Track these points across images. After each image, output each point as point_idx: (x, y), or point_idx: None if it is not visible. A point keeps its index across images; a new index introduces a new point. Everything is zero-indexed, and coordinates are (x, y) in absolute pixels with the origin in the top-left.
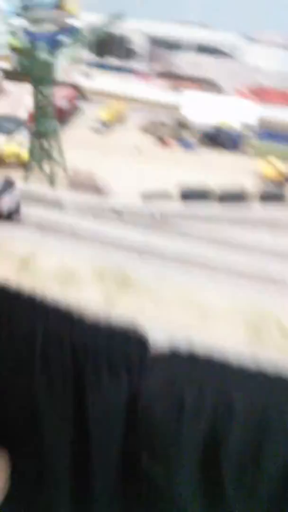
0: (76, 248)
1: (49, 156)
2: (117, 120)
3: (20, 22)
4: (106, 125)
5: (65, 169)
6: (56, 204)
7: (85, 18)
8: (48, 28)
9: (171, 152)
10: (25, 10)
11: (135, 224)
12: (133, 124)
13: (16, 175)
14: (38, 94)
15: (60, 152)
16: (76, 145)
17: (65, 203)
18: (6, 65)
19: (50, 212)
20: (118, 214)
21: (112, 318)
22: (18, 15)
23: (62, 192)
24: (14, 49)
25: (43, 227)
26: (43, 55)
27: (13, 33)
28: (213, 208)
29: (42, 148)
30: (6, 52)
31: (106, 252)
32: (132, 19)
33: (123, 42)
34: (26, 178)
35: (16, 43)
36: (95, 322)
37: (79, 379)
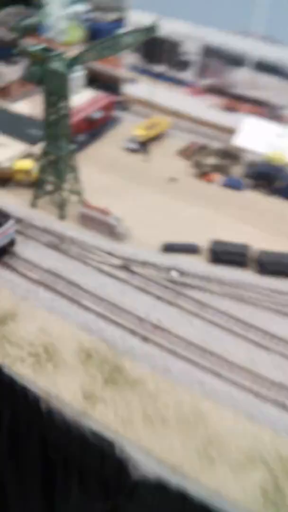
0: (64, 312)
1: (60, 182)
2: (155, 138)
3: (82, 8)
4: (141, 144)
5: (80, 196)
6: (58, 241)
7: (134, 17)
8: (110, 17)
9: (213, 190)
10: None
11: (147, 285)
12: (173, 146)
13: (24, 195)
14: (49, 108)
15: (76, 177)
16: (100, 167)
17: (67, 245)
18: None
19: (47, 255)
20: (127, 270)
21: (90, 422)
22: (81, 1)
23: (68, 225)
24: (24, 53)
25: (32, 278)
26: (57, 64)
27: (73, 19)
28: (250, 277)
29: (53, 171)
30: (66, 38)
31: (100, 323)
32: (186, 23)
33: (175, 49)
34: (32, 204)
35: (75, 30)
36: (69, 422)
37: (49, 478)
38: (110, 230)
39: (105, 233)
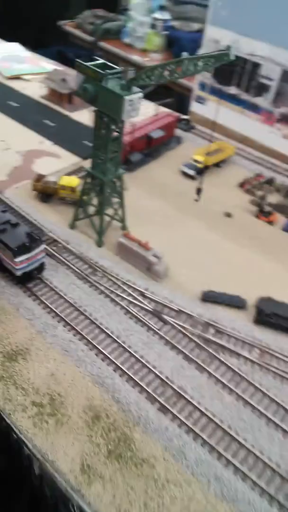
0: (80, 358)
1: (101, 207)
2: (216, 165)
3: (163, 16)
4: (199, 170)
5: (123, 224)
6: (90, 271)
7: (211, 32)
8: (191, 27)
9: (272, 233)
10: (172, 3)
11: (177, 339)
12: (234, 176)
13: (66, 214)
14: (98, 130)
15: (121, 203)
16: (150, 190)
17: (98, 276)
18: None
19: (75, 285)
20: (158, 317)
21: (81, 503)
22: (163, 8)
23: (104, 254)
24: (81, 67)
25: (54, 311)
26: (113, 84)
27: (154, 26)
28: None
29: (96, 195)
30: (145, 45)
31: (116, 379)
32: (266, 45)
33: (251, 72)
34: (71, 225)
35: (154, 37)
36: (58, 496)
37: None
38: (147, 267)
39: (142, 268)
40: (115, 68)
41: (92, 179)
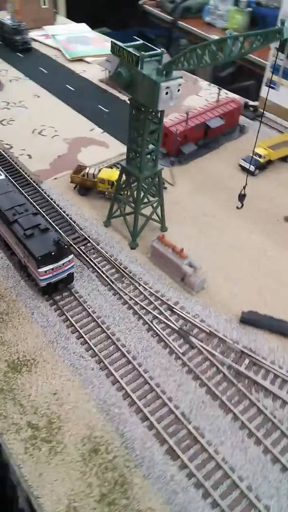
0: (87, 378)
1: (136, 206)
2: (283, 159)
3: None
4: (260, 166)
5: (162, 225)
6: (117, 276)
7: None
8: (277, 2)
9: None
10: None
11: (203, 368)
12: None
13: (103, 209)
14: (133, 121)
15: (160, 202)
16: (199, 186)
17: (125, 283)
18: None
19: (98, 291)
20: (184, 339)
21: None
22: None
23: (135, 257)
24: (115, 51)
25: (69, 319)
26: (150, 69)
27: (237, 3)
28: None
29: (132, 192)
30: (227, 24)
31: (124, 408)
32: None
33: None
34: (105, 223)
35: (237, 15)
36: None
37: None
38: (181, 277)
39: (175, 278)
40: (154, 50)
41: (127, 175)
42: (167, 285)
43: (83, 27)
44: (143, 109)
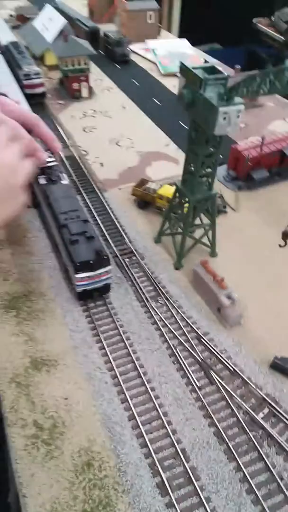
0: (99, 391)
1: (185, 229)
2: None
3: None
4: None
5: (212, 250)
6: (153, 294)
7: None
8: None
9: None
10: None
11: (219, 414)
12: None
13: (158, 225)
14: (190, 143)
15: (212, 226)
16: (263, 216)
17: (159, 302)
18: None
19: (130, 306)
20: (206, 373)
21: None
22: None
23: (175, 278)
24: (182, 72)
25: (94, 327)
26: (211, 92)
27: None
28: None
29: (181, 213)
30: None
31: (127, 431)
32: None
33: None
34: (155, 239)
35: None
36: None
37: None
38: (218, 307)
39: (212, 307)
40: (221, 73)
41: (180, 195)
42: (202, 313)
43: (184, 43)
44: (195, 130)
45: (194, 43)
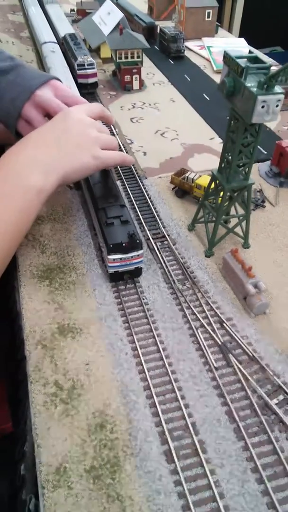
0: (119, 361)
1: (217, 217)
2: None
3: None
4: None
5: (245, 240)
6: (182, 280)
7: None
8: None
9: None
10: None
11: (235, 400)
12: None
13: (192, 214)
14: (229, 131)
15: (246, 217)
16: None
17: (187, 287)
18: None
19: (157, 293)
20: (224, 355)
21: None
22: None
23: (205, 265)
24: (225, 61)
25: (118, 311)
26: (252, 81)
27: None
28: None
29: (214, 201)
30: None
31: (141, 402)
32: None
33: None
34: (189, 227)
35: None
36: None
37: None
38: (244, 295)
39: (238, 294)
40: (264, 63)
41: (216, 183)
42: (227, 299)
43: (240, 42)
44: (235, 120)
45: (256, 46)
